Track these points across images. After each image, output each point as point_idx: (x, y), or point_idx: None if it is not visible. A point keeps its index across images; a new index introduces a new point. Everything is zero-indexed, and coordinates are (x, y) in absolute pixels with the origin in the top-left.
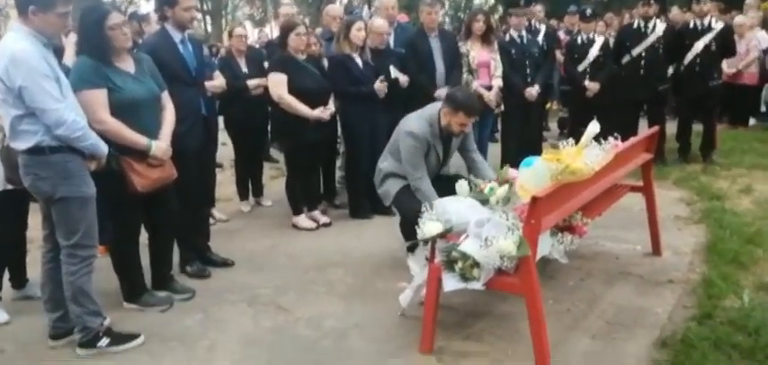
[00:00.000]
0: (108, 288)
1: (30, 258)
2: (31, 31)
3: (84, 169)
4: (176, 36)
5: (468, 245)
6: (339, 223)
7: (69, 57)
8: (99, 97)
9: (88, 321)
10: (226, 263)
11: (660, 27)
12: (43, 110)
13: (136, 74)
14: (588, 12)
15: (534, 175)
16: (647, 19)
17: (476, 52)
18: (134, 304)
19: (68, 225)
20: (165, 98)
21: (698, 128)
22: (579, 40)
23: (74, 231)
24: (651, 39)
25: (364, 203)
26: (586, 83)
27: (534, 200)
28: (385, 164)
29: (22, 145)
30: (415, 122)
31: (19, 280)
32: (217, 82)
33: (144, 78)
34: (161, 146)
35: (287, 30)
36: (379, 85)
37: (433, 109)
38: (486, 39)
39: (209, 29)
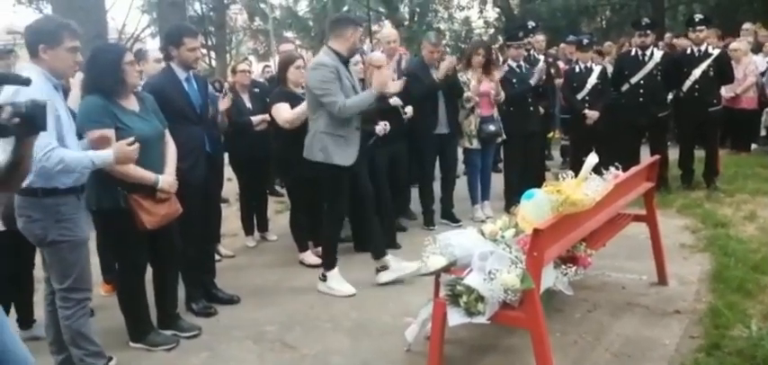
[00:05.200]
0: (114, 326)
1: (37, 297)
2: (43, 70)
3: (79, 212)
4: (181, 74)
5: (472, 279)
6: (344, 256)
7: (74, 100)
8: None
9: (90, 363)
10: (232, 300)
11: (657, 54)
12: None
13: (140, 112)
14: (585, 41)
15: (535, 207)
16: (644, 48)
17: (476, 82)
18: (140, 343)
19: (61, 268)
20: (167, 135)
21: (700, 154)
22: (577, 69)
23: (66, 275)
24: (649, 66)
25: None
26: (586, 111)
27: (536, 232)
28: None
29: None
30: (317, 58)
31: (26, 320)
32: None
33: (148, 117)
34: (168, 179)
35: (286, 64)
36: (381, 128)
37: (324, 49)
38: (486, 69)
39: (214, 64)
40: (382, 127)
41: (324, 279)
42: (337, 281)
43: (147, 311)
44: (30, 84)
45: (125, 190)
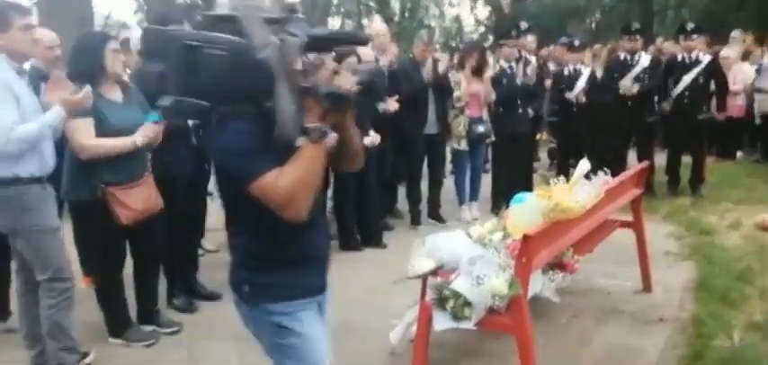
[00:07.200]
0: (92, 320)
1: (13, 289)
2: (4, 56)
3: (45, 201)
4: None
5: (459, 284)
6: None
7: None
8: (86, 125)
9: (63, 358)
10: (213, 296)
11: (645, 58)
12: None
13: (123, 103)
14: (576, 42)
15: (526, 212)
16: (632, 53)
17: (467, 83)
18: (119, 339)
19: (40, 258)
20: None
21: (687, 160)
22: (566, 71)
23: (47, 265)
24: (636, 70)
25: (354, 235)
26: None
27: (526, 238)
28: None
29: None
30: None
31: (1, 313)
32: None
33: (131, 108)
34: (142, 130)
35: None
36: (369, 141)
37: None
38: (477, 71)
39: None
40: (370, 140)
41: None
42: None
43: (125, 306)
44: (368, 42)
45: (103, 184)
